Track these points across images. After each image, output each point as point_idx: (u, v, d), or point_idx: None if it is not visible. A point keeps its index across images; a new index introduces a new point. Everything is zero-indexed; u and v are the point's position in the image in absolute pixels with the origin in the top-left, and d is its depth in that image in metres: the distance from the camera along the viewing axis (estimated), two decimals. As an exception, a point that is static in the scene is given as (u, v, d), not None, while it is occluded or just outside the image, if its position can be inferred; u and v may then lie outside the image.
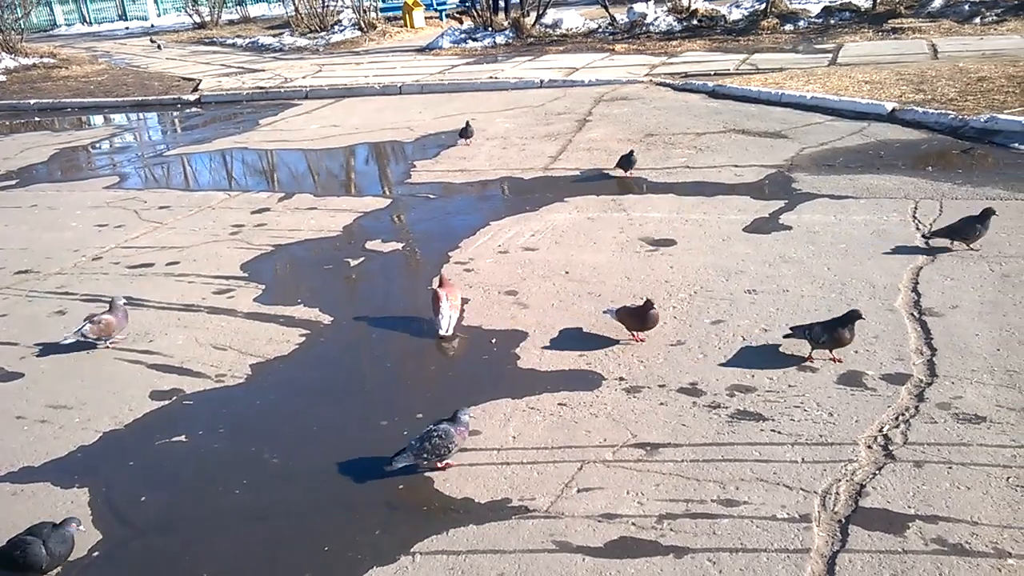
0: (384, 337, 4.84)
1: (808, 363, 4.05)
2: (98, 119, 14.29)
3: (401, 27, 22.75)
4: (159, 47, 24.09)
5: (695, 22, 16.93)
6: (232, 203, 7.92)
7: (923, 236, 5.34)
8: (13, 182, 9.62)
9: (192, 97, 14.84)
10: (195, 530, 3.30)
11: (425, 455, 3.39)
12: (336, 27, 22.60)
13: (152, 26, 33.92)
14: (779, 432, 3.53)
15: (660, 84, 11.88)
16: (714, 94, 10.88)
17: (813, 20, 16.05)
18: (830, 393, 3.79)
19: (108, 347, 4.90)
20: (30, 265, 6.56)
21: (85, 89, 16.89)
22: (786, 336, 4.17)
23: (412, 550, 3.04)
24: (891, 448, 3.35)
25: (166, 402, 4.26)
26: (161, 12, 37.83)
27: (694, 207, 6.51)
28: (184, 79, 16.97)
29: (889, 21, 14.99)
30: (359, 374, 4.50)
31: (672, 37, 16.30)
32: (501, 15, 19.83)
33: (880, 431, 3.47)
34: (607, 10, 18.02)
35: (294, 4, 23.86)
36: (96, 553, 3.18)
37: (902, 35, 14.08)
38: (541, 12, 18.57)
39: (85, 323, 4.86)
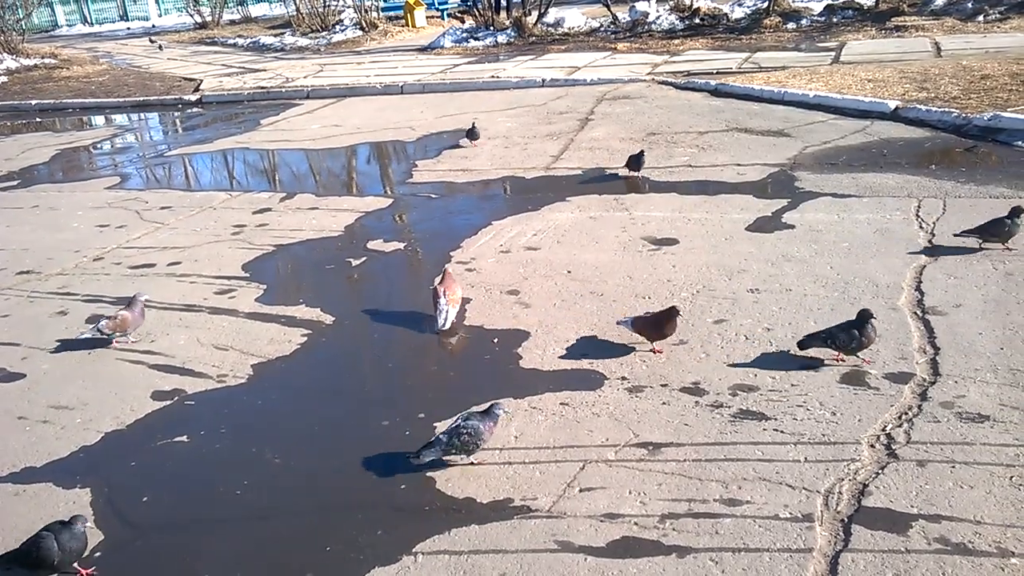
0: (386, 337, 4.84)
1: (811, 363, 4.03)
2: (99, 119, 14.31)
3: (403, 26, 22.73)
4: (160, 47, 24.12)
5: (697, 21, 16.91)
6: (234, 203, 7.92)
7: (954, 235, 5.19)
8: (15, 183, 9.63)
9: (193, 97, 14.85)
10: (197, 530, 3.30)
11: (453, 450, 3.41)
12: (337, 27, 22.61)
13: (153, 26, 33.97)
14: (782, 431, 3.52)
15: (662, 83, 11.86)
16: (716, 93, 10.86)
17: (815, 18, 16.01)
18: (833, 392, 3.78)
19: (129, 343, 4.92)
20: (32, 266, 6.57)
21: (86, 90, 16.91)
22: (802, 346, 4.03)
23: (414, 550, 3.03)
24: (894, 447, 3.34)
25: (168, 402, 4.26)
26: (162, 12, 37.87)
27: (696, 206, 6.50)
28: (185, 79, 16.98)
29: (892, 19, 14.96)
30: (361, 374, 4.50)
31: (674, 36, 16.28)
32: (503, 14, 19.81)
33: (883, 430, 3.46)
34: (609, 9, 18.00)
35: (295, 4, 23.86)
36: (98, 553, 3.18)
37: (905, 33, 14.05)
38: (543, 11, 18.56)
39: (102, 318, 4.88)
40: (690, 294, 4.94)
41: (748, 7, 17.09)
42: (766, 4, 16.58)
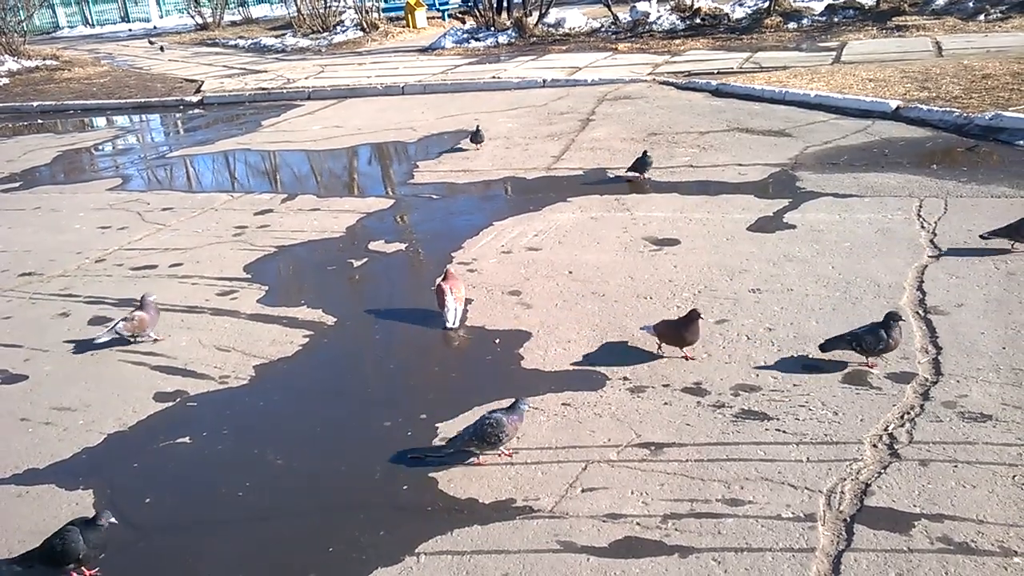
0: (387, 338, 4.85)
1: (813, 363, 4.03)
2: (101, 121, 14.33)
3: (403, 27, 22.74)
4: (161, 49, 24.14)
5: (698, 21, 16.90)
6: (235, 204, 7.93)
7: (980, 236, 5.10)
8: (17, 184, 9.65)
9: (195, 98, 14.86)
10: (199, 531, 3.30)
11: (476, 441, 3.42)
12: (338, 28, 22.60)
13: (154, 28, 34.00)
14: (784, 431, 3.52)
15: (663, 83, 11.86)
16: (717, 93, 10.86)
17: (816, 18, 16.01)
18: (835, 392, 3.78)
19: (151, 341, 4.92)
20: (34, 267, 6.58)
21: (88, 91, 16.93)
22: (824, 348, 3.96)
23: (417, 550, 3.04)
24: (896, 447, 3.34)
25: (170, 404, 4.27)
26: (163, 14, 37.88)
27: (698, 206, 6.50)
28: (186, 80, 16.99)
29: (893, 19, 14.95)
30: (362, 375, 4.50)
31: (675, 36, 16.28)
32: (504, 15, 19.81)
33: (885, 430, 3.46)
34: (610, 9, 18.00)
35: (296, 5, 23.87)
36: (101, 555, 3.17)
37: (906, 33, 14.04)
38: (544, 11, 18.56)
39: (119, 321, 4.87)
40: (692, 294, 4.94)
41: (749, 7, 17.08)
42: (767, 4, 16.57)
